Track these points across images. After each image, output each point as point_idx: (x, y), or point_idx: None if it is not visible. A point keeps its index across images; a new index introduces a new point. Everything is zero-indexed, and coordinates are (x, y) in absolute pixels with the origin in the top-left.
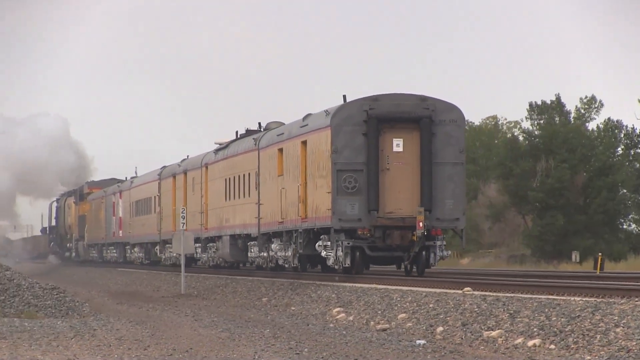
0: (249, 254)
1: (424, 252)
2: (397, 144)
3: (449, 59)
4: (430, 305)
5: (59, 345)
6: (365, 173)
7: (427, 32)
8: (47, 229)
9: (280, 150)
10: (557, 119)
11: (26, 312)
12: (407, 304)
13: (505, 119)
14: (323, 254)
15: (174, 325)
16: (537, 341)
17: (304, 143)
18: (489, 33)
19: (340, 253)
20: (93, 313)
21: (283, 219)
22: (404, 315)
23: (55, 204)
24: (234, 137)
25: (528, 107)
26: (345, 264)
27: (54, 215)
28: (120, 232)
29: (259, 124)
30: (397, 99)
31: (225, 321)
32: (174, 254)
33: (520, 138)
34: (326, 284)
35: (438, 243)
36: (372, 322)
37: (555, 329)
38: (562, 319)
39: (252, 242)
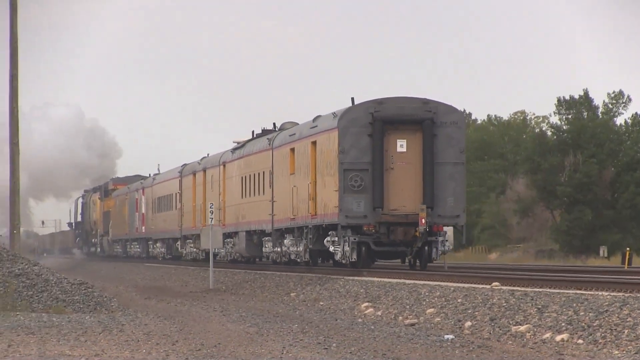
0: (263, 249)
1: (426, 247)
2: (401, 145)
3: (478, 54)
4: (459, 300)
5: (87, 340)
6: (370, 172)
7: (455, 28)
8: (73, 224)
9: (292, 150)
10: (585, 114)
11: (54, 307)
12: (436, 298)
13: (534, 114)
14: (331, 249)
15: (202, 320)
16: (565, 336)
17: (314, 143)
18: (517, 29)
19: (347, 248)
20: (121, 308)
21: (294, 216)
22: (432, 310)
23: (80, 200)
24: (250, 137)
25: (556, 102)
26: (352, 259)
27: (79, 211)
28: (143, 227)
29: (274, 124)
30: (400, 102)
31: (253, 316)
32: (194, 250)
33: (549, 133)
34: (354, 279)
35: (440, 239)
36: (400, 317)
37: (583, 324)
38: (590, 314)
39: (266, 238)
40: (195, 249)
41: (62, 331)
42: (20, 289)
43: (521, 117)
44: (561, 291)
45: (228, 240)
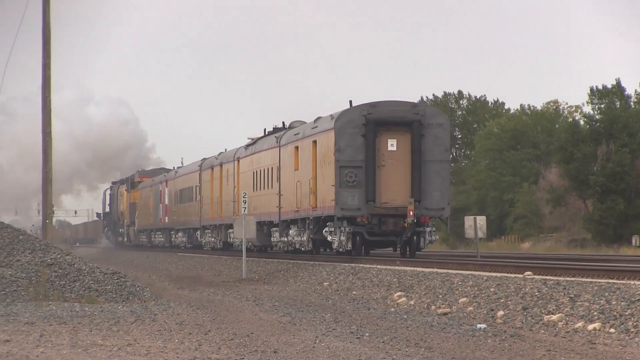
0: (272, 239)
1: (414, 237)
2: (392, 144)
3: (511, 44)
4: (491, 290)
5: (119, 330)
6: (364, 169)
7: (488, 17)
8: (102, 214)
9: (297, 147)
10: (617, 103)
11: (87, 296)
12: (468, 288)
13: (567, 104)
14: (329, 238)
15: (235, 309)
16: (597, 325)
17: (315, 142)
18: (550, 18)
19: (343, 238)
20: (154, 298)
21: (298, 208)
22: (464, 299)
23: (109, 192)
24: (262, 134)
25: (589, 92)
26: (347, 247)
27: (107, 202)
28: (167, 218)
29: (283, 122)
30: (391, 105)
31: (286, 306)
32: (212, 239)
33: (581, 122)
34: (387, 268)
35: (427, 229)
36: (433, 307)
37: (616, 313)
38: (622, 303)
39: (274, 228)
40: (212, 239)
41: (94, 321)
42: (52, 278)
43: (554, 107)
44: (593, 280)
45: None
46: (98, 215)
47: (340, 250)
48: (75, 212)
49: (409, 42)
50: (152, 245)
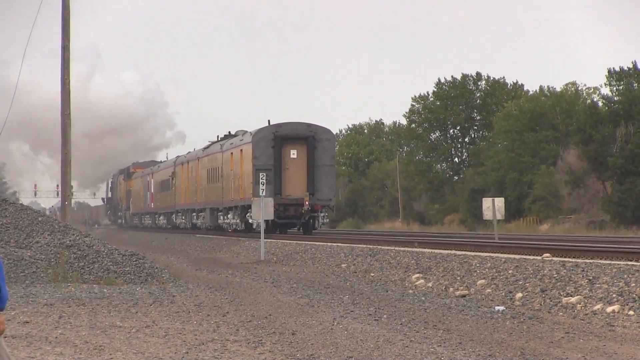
0: (219, 221)
1: (310, 220)
2: (293, 153)
3: (532, 26)
4: (510, 272)
5: (137, 311)
6: (273, 171)
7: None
8: (105, 199)
9: (231, 153)
10: (635, 85)
11: (105, 278)
12: (486, 270)
13: (585, 85)
14: (250, 221)
15: (253, 291)
16: (616, 307)
17: (241, 151)
18: (568, 1)
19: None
20: (172, 279)
21: (233, 198)
22: (483, 281)
23: (111, 180)
24: (215, 140)
25: (606, 74)
26: (262, 227)
27: (109, 188)
28: (152, 204)
29: (229, 132)
30: (293, 125)
31: (304, 287)
32: (183, 220)
33: (600, 104)
34: (405, 250)
35: (321, 214)
36: (451, 289)
37: (635, 295)
38: None
39: (220, 213)
40: (183, 220)
41: (112, 302)
42: (71, 260)
43: (573, 88)
44: (612, 262)
45: (201, 214)
46: (103, 200)
47: (257, 230)
48: (94, 194)
49: (427, 23)
50: (143, 226)
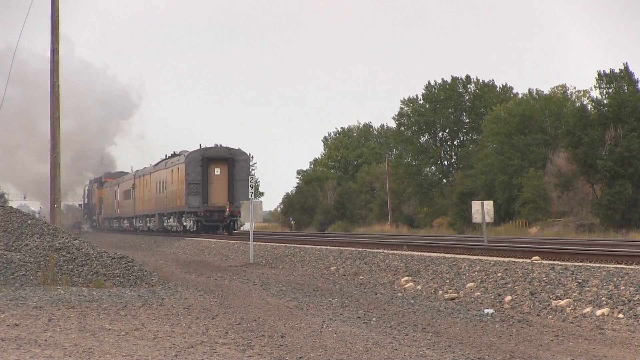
0: (164, 224)
1: (231, 223)
2: (217, 171)
3: (521, 29)
4: (499, 275)
5: (127, 314)
6: (201, 185)
7: (500, 1)
8: (82, 205)
9: (172, 170)
10: (625, 88)
11: (94, 281)
12: (475, 273)
13: (574, 88)
14: (185, 224)
15: (242, 294)
16: (605, 310)
17: (178, 168)
18: (558, 4)
19: (191, 223)
20: (161, 282)
21: (173, 206)
22: (472, 284)
23: (87, 187)
24: (164, 157)
25: (596, 76)
26: (194, 229)
27: (86, 194)
28: (118, 210)
29: (174, 152)
30: (217, 149)
31: (293, 290)
32: (141, 224)
33: (589, 107)
34: (394, 253)
35: (238, 219)
36: (440, 292)
37: (624, 299)
38: (631, 288)
39: (165, 217)
40: (141, 224)
41: (102, 305)
42: (60, 263)
43: (562, 91)
44: (601, 265)
45: (152, 218)
46: (80, 205)
47: (191, 230)
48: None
49: (417, 26)
50: (111, 229)
